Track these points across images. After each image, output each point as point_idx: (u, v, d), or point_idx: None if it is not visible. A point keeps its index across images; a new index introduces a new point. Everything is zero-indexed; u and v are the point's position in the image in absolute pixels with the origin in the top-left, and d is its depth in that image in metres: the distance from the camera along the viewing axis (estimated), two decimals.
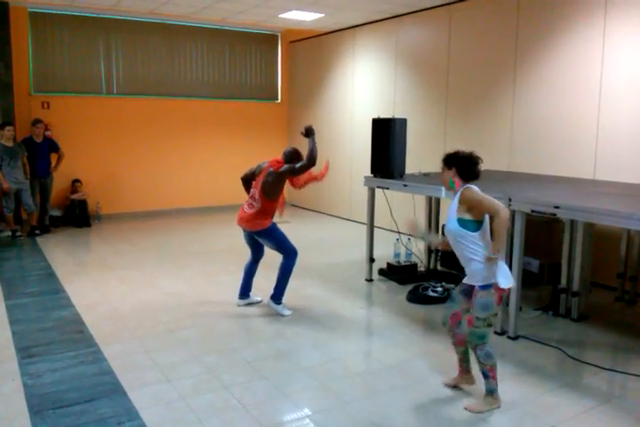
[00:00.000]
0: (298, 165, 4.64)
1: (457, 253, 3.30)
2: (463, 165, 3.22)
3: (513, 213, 4.24)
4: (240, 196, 10.32)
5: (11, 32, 8.24)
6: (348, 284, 5.73)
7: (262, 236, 4.78)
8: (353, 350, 4.15)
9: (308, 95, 10.38)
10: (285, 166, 4.68)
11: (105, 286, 5.62)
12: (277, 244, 4.77)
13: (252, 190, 4.82)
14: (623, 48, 5.45)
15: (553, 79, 6.11)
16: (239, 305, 5.02)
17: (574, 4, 5.84)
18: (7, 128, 7.60)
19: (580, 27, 5.80)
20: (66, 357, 3.93)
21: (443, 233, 3.92)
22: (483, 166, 7.13)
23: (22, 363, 3.82)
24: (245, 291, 5.08)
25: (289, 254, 4.77)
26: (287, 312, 4.82)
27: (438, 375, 3.72)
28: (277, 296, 4.85)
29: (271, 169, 4.70)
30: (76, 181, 8.84)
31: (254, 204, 4.72)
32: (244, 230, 4.89)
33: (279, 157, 4.84)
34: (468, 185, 3.21)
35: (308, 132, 4.72)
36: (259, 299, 5.10)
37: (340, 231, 8.50)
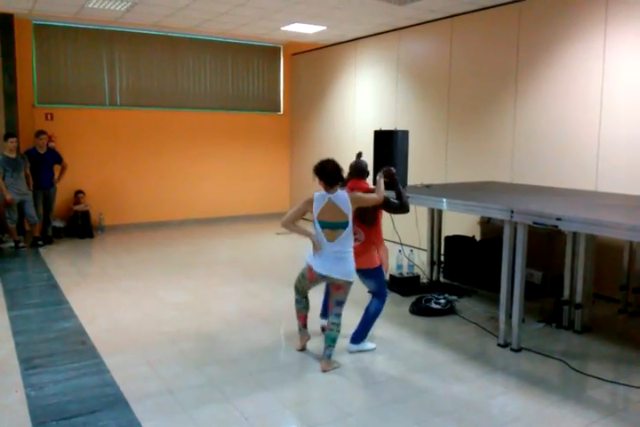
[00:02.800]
0: (390, 199, 4.17)
1: None
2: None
3: (515, 225, 4.25)
4: (244, 206, 10.44)
5: (15, 44, 8.31)
6: (351, 296, 5.69)
7: (370, 274, 4.25)
8: (355, 362, 4.14)
9: (310, 107, 10.43)
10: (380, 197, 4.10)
11: (107, 298, 5.62)
12: (381, 285, 4.31)
13: None
14: (624, 60, 5.48)
15: (554, 91, 6.14)
16: (350, 351, 4.31)
17: (575, 17, 5.89)
18: (10, 139, 7.64)
19: (581, 39, 5.85)
20: (68, 368, 3.92)
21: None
22: (484, 178, 7.15)
23: (25, 374, 3.82)
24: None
25: (383, 297, 4.32)
26: (371, 345, 4.34)
27: (441, 387, 3.71)
28: (360, 339, 4.30)
29: (360, 193, 4.08)
30: (79, 192, 8.87)
31: (357, 236, 4.13)
32: None
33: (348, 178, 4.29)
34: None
35: (388, 176, 4.25)
36: (372, 346, 4.37)
37: None
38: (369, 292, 4.47)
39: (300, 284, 4.18)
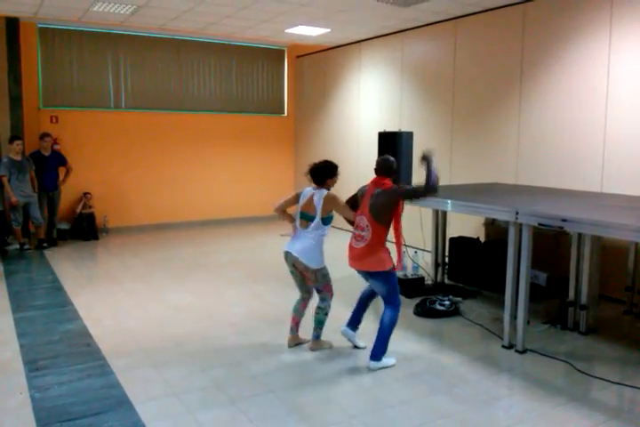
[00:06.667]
0: (411, 188, 4.16)
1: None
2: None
3: (520, 227, 4.24)
4: (248, 208, 10.44)
5: (21, 47, 8.35)
6: (354, 298, 5.71)
7: (378, 278, 4.05)
8: (360, 364, 4.13)
9: (314, 109, 10.44)
10: (398, 187, 4.09)
11: (112, 300, 5.63)
12: (390, 291, 4.07)
13: (357, 219, 4.12)
14: (629, 61, 5.47)
15: (559, 92, 6.13)
16: (343, 334, 4.42)
17: (580, 18, 5.87)
18: (16, 142, 7.67)
19: (586, 40, 5.83)
20: (73, 370, 3.93)
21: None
22: (489, 179, 7.14)
23: (30, 376, 3.83)
24: (353, 321, 4.41)
25: (396, 306, 4.08)
26: (392, 361, 4.10)
27: (447, 390, 3.70)
28: (380, 355, 4.04)
29: (379, 189, 4.03)
30: (87, 193, 8.89)
31: (364, 233, 4.01)
32: (357, 270, 4.18)
33: (374, 176, 4.16)
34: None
35: (425, 158, 4.08)
36: (362, 345, 4.37)
37: (346, 244, 8.49)
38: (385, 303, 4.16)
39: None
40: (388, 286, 4.06)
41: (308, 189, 4.22)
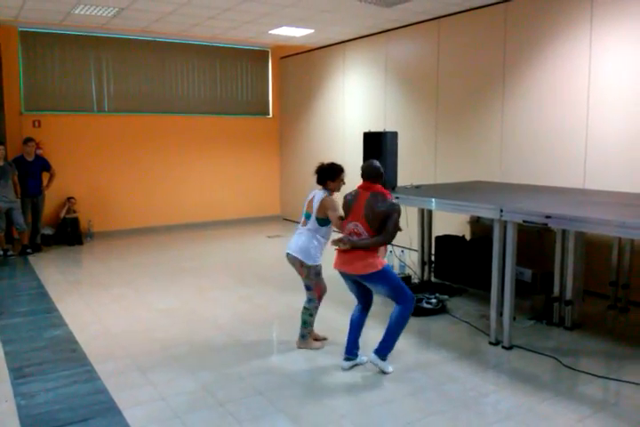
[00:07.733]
0: (394, 226, 3.87)
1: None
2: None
3: (505, 224, 4.27)
4: (234, 210, 10.42)
5: (1, 51, 8.28)
6: (341, 297, 5.68)
7: (373, 280, 3.87)
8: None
9: (299, 110, 10.44)
10: (394, 208, 3.87)
11: (98, 305, 5.59)
12: (392, 288, 3.87)
13: (349, 225, 3.94)
14: (610, 58, 5.52)
15: (541, 90, 6.18)
16: (344, 369, 3.99)
17: (560, 16, 5.93)
18: None
19: (567, 37, 5.88)
20: (59, 376, 3.89)
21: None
22: (473, 178, 7.18)
23: (15, 383, 3.78)
24: (352, 349, 4.05)
25: (406, 301, 3.89)
26: (390, 368, 3.95)
27: (435, 387, 3.71)
28: (385, 351, 3.93)
29: (376, 194, 3.89)
30: (71, 198, 8.83)
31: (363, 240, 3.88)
32: (344, 274, 4.03)
33: (362, 182, 4.04)
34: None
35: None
36: (365, 359, 4.06)
37: None
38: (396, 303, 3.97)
39: None
40: (388, 284, 3.87)
41: (314, 191, 4.36)
